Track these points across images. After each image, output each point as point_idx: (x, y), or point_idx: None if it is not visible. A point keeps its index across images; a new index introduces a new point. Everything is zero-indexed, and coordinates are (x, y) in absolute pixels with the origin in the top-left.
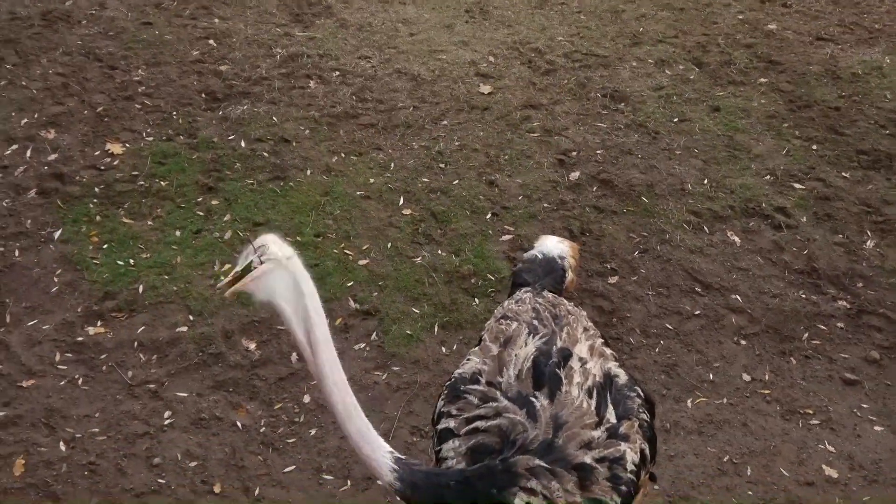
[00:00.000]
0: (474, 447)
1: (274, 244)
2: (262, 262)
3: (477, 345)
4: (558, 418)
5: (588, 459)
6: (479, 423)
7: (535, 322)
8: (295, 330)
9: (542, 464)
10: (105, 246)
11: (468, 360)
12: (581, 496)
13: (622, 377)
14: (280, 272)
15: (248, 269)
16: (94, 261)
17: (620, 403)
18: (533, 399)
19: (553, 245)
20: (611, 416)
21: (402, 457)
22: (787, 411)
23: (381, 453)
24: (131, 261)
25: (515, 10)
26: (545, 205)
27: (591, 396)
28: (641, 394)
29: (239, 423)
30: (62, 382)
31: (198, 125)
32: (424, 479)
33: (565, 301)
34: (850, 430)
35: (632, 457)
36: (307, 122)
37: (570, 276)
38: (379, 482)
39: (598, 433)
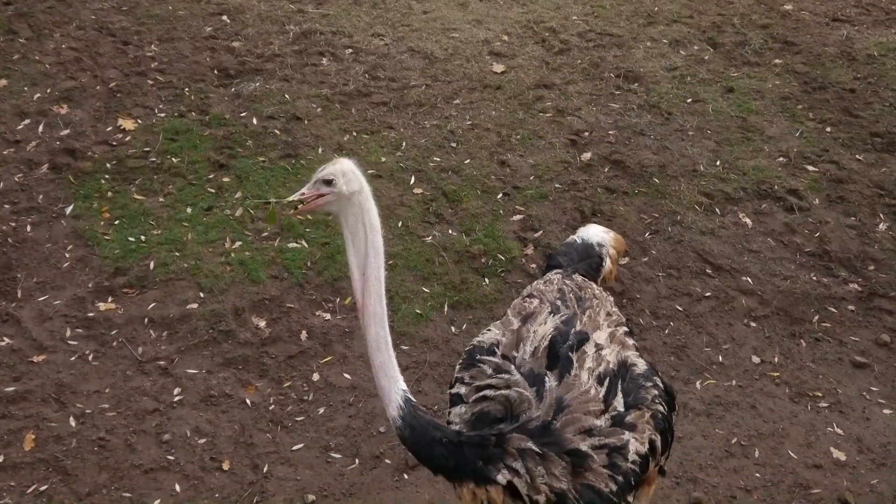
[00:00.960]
0: (478, 414)
1: (347, 175)
2: (330, 188)
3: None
4: (562, 401)
5: (584, 446)
6: (487, 392)
7: (559, 302)
8: (350, 254)
9: (533, 446)
10: (116, 222)
11: (489, 330)
12: (571, 482)
13: (640, 367)
14: (347, 201)
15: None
16: (106, 237)
17: (632, 392)
18: (545, 378)
19: (594, 233)
20: (619, 404)
21: (414, 400)
22: (796, 394)
23: (395, 388)
24: (142, 237)
25: None
26: (557, 185)
27: (600, 383)
28: (660, 384)
29: (248, 401)
30: (73, 358)
31: (210, 102)
32: (423, 426)
33: (594, 285)
34: (859, 413)
35: (636, 447)
36: (319, 99)
37: (607, 265)
38: (386, 417)
39: (601, 421)
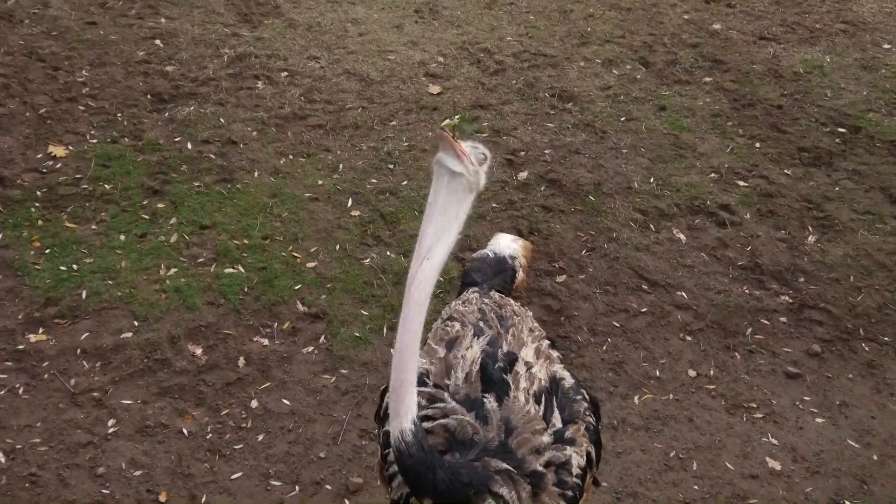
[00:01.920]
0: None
1: (487, 170)
2: (475, 167)
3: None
4: (509, 422)
5: (539, 466)
6: (424, 424)
7: (481, 323)
8: (428, 229)
9: (508, 467)
10: (47, 251)
11: None
12: None
13: (568, 380)
14: (467, 189)
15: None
16: (36, 266)
17: (566, 407)
18: (483, 401)
19: (506, 244)
20: (557, 420)
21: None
22: (732, 405)
23: (413, 399)
24: (74, 266)
25: (465, 10)
26: (494, 205)
27: (538, 402)
28: (587, 396)
29: (185, 430)
30: (2, 392)
31: (143, 127)
32: (430, 448)
33: (512, 301)
34: (793, 423)
35: (577, 461)
36: (255, 123)
37: (520, 276)
38: (394, 422)
39: (545, 438)
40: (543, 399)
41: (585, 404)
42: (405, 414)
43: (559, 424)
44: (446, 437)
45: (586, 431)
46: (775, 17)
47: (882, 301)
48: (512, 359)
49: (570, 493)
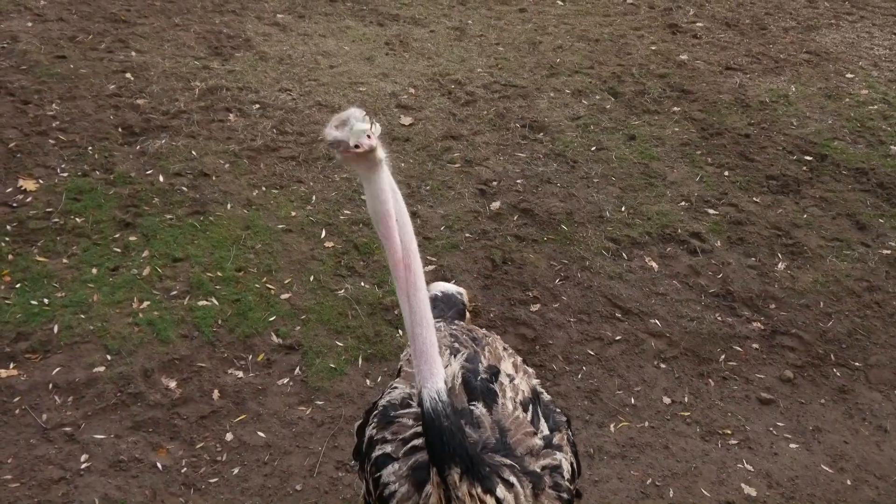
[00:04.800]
0: (415, 466)
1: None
2: (371, 142)
3: (396, 377)
4: (501, 424)
5: (537, 467)
6: (416, 442)
7: (456, 344)
8: (388, 223)
9: (512, 462)
10: (18, 285)
11: (394, 388)
12: None
13: (545, 394)
14: (377, 162)
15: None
16: (6, 301)
17: (549, 417)
18: (472, 408)
19: (446, 286)
20: (544, 427)
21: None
22: (707, 432)
23: (440, 367)
24: (45, 300)
25: (435, 42)
26: (467, 235)
27: (525, 410)
28: (560, 412)
29: (159, 465)
30: None
31: (115, 160)
32: (460, 411)
33: (477, 328)
34: (767, 449)
35: (567, 466)
36: (227, 155)
37: (468, 315)
38: (428, 383)
39: (538, 440)
40: (530, 408)
41: (564, 418)
42: (438, 374)
43: (546, 431)
44: None
45: (568, 442)
46: (740, 47)
47: (852, 327)
48: (495, 371)
49: (565, 495)
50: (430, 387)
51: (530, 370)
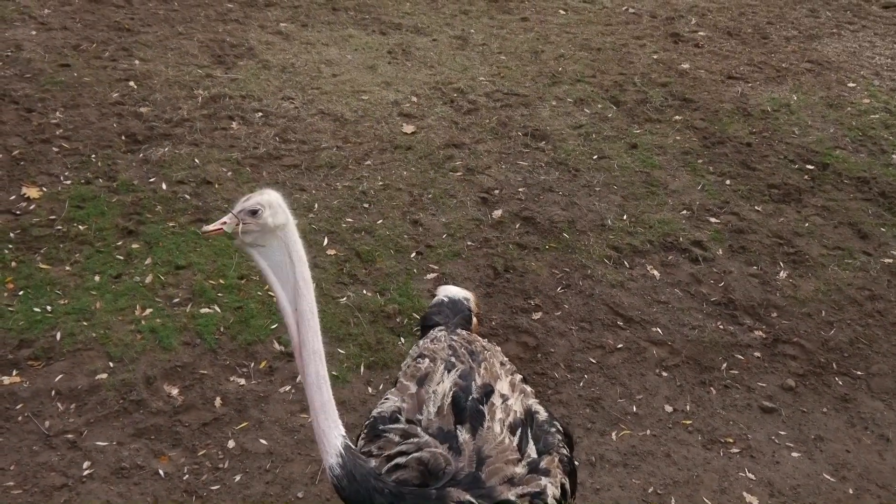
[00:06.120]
0: (397, 483)
1: (273, 207)
2: (254, 219)
3: (394, 385)
4: (481, 452)
5: (511, 496)
6: (399, 460)
7: (452, 358)
8: (277, 290)
9: (471, 498)
10: (21, 292)
11: (386, 399)
12: None
13: (542, 413)
14: (271, 235)
15: (238, 228)
16: (10, 308)
17: (541, 439)
18: (456, 433)
19: (454, 291)
20: (532, 451)
21: (353, 447)
22: (709, 441)
23: (335, 433)
24: (48, 307)
25: (437, 50)
26: (469, 243)
27: (513, 433)
28: (560, 428)
29: (161, 472)
30: None
31: (118, 168)
32: (364, 475)
33: (479, 337)
34: (769, 458)
35: (552, 491)
36: (229, 163)
37: (475, 321)
38: (323, 465)
39: (519, 469)
40: (519, 431)
41: (559, 436)
42: (330, 451)
43: (534, 455)
44: (420, 471)
45: (560, 463)
46: (742, 56)
47: (854, 335)
48: (488, 390)
49: None
50: (325, 462)
51: (528, 388)
